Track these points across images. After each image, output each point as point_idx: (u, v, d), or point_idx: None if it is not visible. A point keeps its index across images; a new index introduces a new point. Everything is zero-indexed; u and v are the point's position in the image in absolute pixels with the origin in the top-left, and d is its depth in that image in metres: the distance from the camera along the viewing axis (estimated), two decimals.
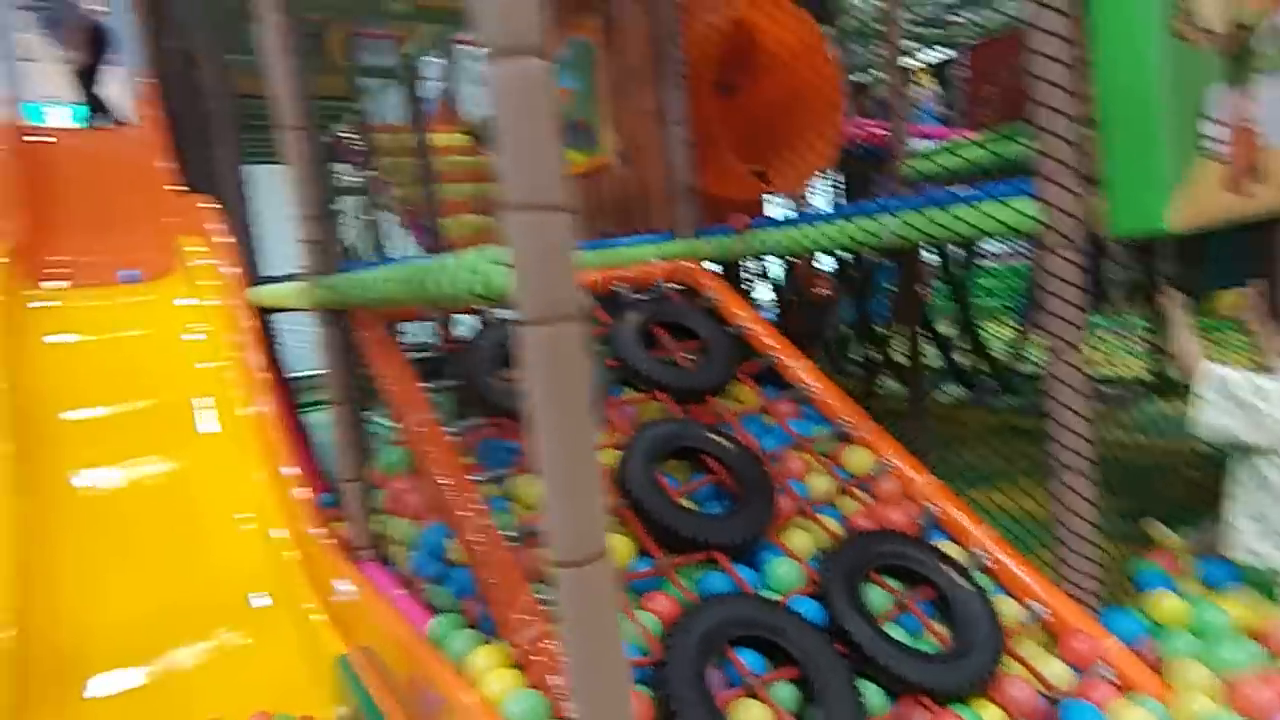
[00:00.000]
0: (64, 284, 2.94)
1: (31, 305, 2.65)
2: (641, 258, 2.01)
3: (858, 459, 1.61)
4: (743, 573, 1.34)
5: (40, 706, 1.72)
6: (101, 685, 1.83)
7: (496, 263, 0.83)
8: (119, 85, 5.03)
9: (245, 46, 3.31)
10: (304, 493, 2.03)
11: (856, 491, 1.56)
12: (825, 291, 4.06)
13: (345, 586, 1.72)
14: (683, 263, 2.01)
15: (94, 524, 2.17)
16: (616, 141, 2.64)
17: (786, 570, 1.35)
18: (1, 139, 3.64)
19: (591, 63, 2.66)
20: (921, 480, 1.56)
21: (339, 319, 1.68)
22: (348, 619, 1.75)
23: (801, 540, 1.44)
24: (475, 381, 1.59)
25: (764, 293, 4.06)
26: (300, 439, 2.43)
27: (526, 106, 0.70)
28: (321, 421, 3.22)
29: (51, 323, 2.62)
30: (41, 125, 4.18)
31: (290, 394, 2.68)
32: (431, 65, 4.50)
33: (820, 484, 1.56)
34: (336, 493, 2.03)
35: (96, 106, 4.91)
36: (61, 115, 5.04)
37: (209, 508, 2.25)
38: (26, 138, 3.73)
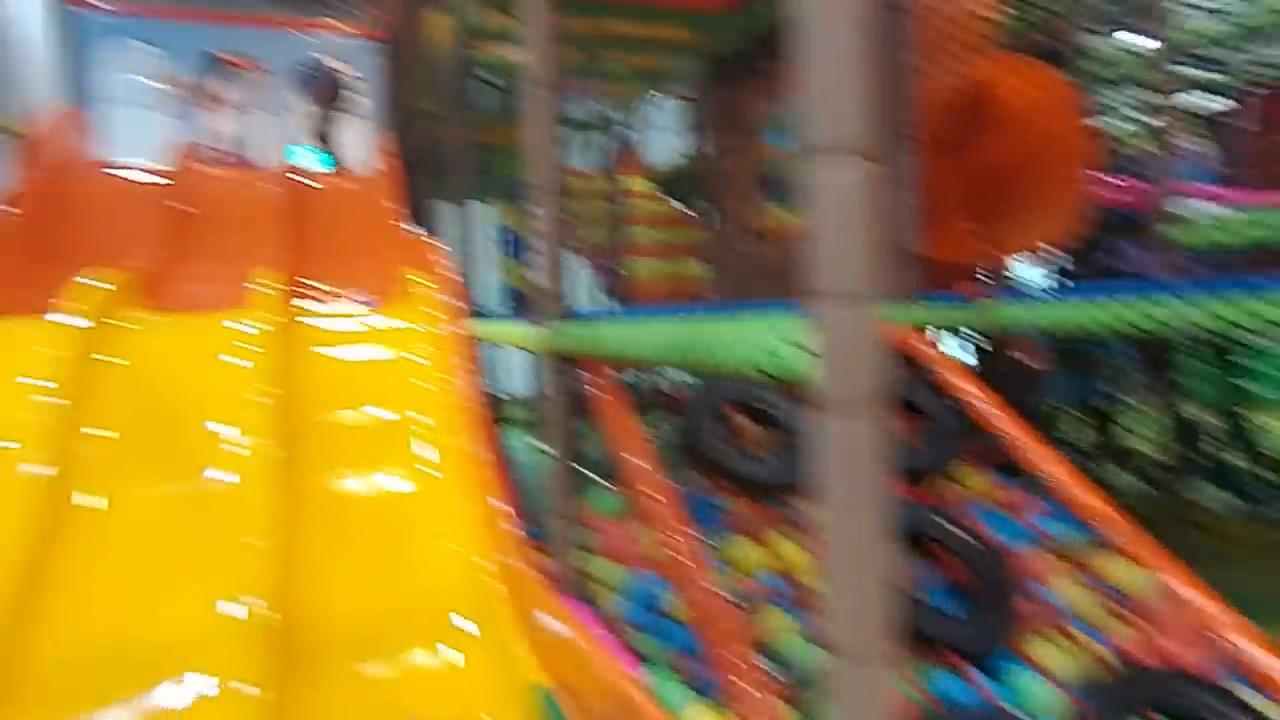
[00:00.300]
0: (314, 306, 3.28)
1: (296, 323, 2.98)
2: None
3: (1123, 572, 1.45)
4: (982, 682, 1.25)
5: (299, 678, 1.92)
6: (335, 670, 1.99)
7: (793, 344, 0.85)
8: (352, 133, 5.68)
9: (462, 103, 3.73)
10: (512, 527, 2.13)
11: (1122, 611, 1.41)
12: (1033, 360, 3.76)
13: (551, 621, 1.80)
14: (898, 328, 1.97)
15: (328, 521, 2.38)
16: None
17: (1042, 692, 1.24)
18: (274, 180, 4.19)
19: None
20: (1211, 608, 1.33)
21: (566, 362, 1.79)
22: (551, 653, 1.82)
23: (1053, 657, 1.32)
24: (694, 436, 1.63)
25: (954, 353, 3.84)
26: (501, 464, 2.56)
27: (846, 205, 0.72)
28: (519, 446, 3.40)
29: (309, 340, 2.92)
30: (298, 167, 4.75)
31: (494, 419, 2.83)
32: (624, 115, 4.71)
33: (1073, 595, 1.43)
34: (538, 524, 2.13)
35: (331, 151, 5.59)
36: (308, 159, 5.74)
37: (420, 525, 2.41)
38: (291, 178, 4.27)
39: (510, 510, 2.16)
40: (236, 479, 2.35)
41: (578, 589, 1.81)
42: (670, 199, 3.66)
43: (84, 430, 2.38)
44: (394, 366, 2.92)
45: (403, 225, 3.93)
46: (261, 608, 1.95)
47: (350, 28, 5.36)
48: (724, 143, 3.25)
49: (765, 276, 2.72)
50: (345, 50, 5.35)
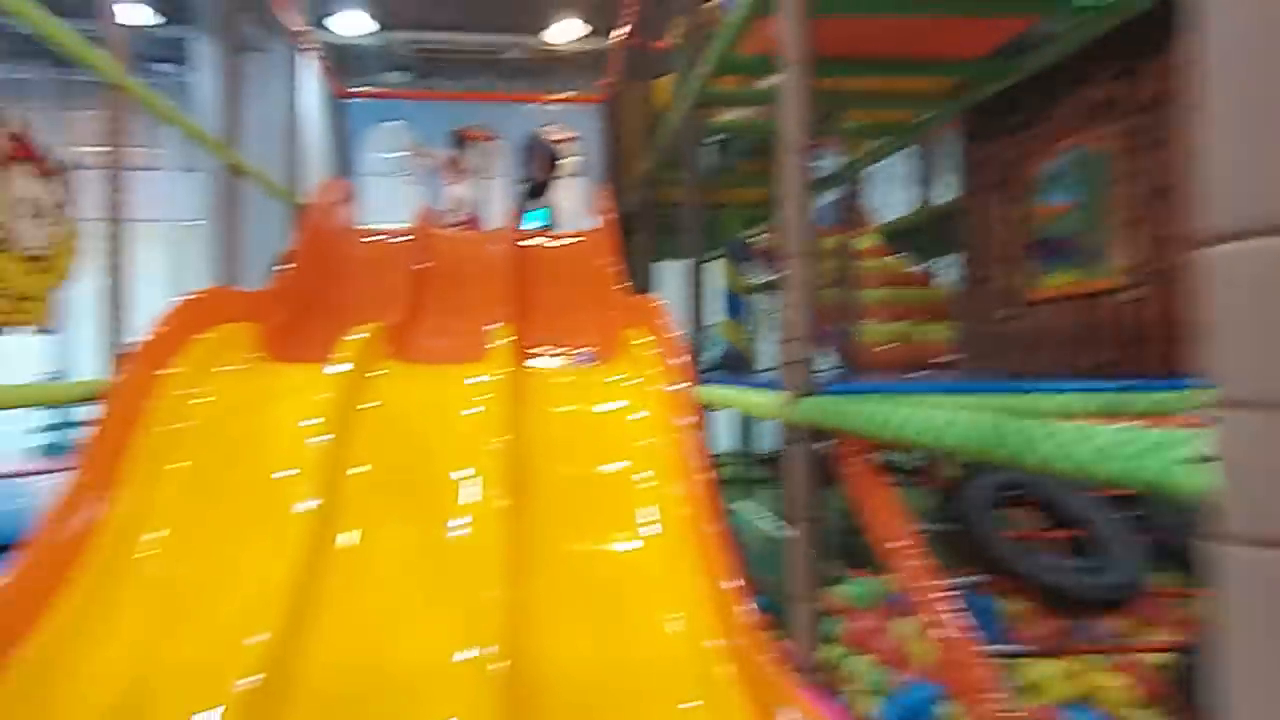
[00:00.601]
0: (541, 361, 3.41)
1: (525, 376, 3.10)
2: (1160, 406, 1.73)
3: None
4: None
5: None
6: None
7: (1186, 459, 0.71)
8: (572, 195, 5.99)
9: (687, 163, 3.80)
10: (747, 609, 1.98)
11: None
12: None
13: (795, 717, 1.66)
14: None
15: (554, 574, 2.37)
16: (1129, 262, 2.38)
17: None
18: (503, 241, 4.49)
19: (1100, 174, 2.46)
20: None
21: (816, 437, 1.69)
22: None
23: None
24: (970, 529, 1.46)
25: None
26: (728, 534, 2.45)
27: (1262, 294, 0.59)
28: (743, 511, 3.28)
29: (537, 393, 3.02)
30: (524, 229, 5.08)
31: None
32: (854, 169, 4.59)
33: None
34: (771, 603, 2.02)
35: (536, 212, 5.96)
36: (532, 221, 6.13)
37: (644, 590, 2.36)
38: (520, 240, 4.56)
39: (742, 587, 2.04)
40: (470, 522, 2.45)
41: (824, 685, 1.67)
42: (902, 256, 3.48)
43: (346, 469, 2.59)
44: (616, 423, 2.94)
45: (622, 284, 4.04)
46: (492, 653, 1.97)
47: (573, 97, 5.69)
48: (983, 198, 3.04)
49: (1033, 347, 2.47)
50: (568, 116, 5.67)
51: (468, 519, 2.47)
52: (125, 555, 2.28)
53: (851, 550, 1.75)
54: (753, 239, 5.03)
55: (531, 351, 3.53)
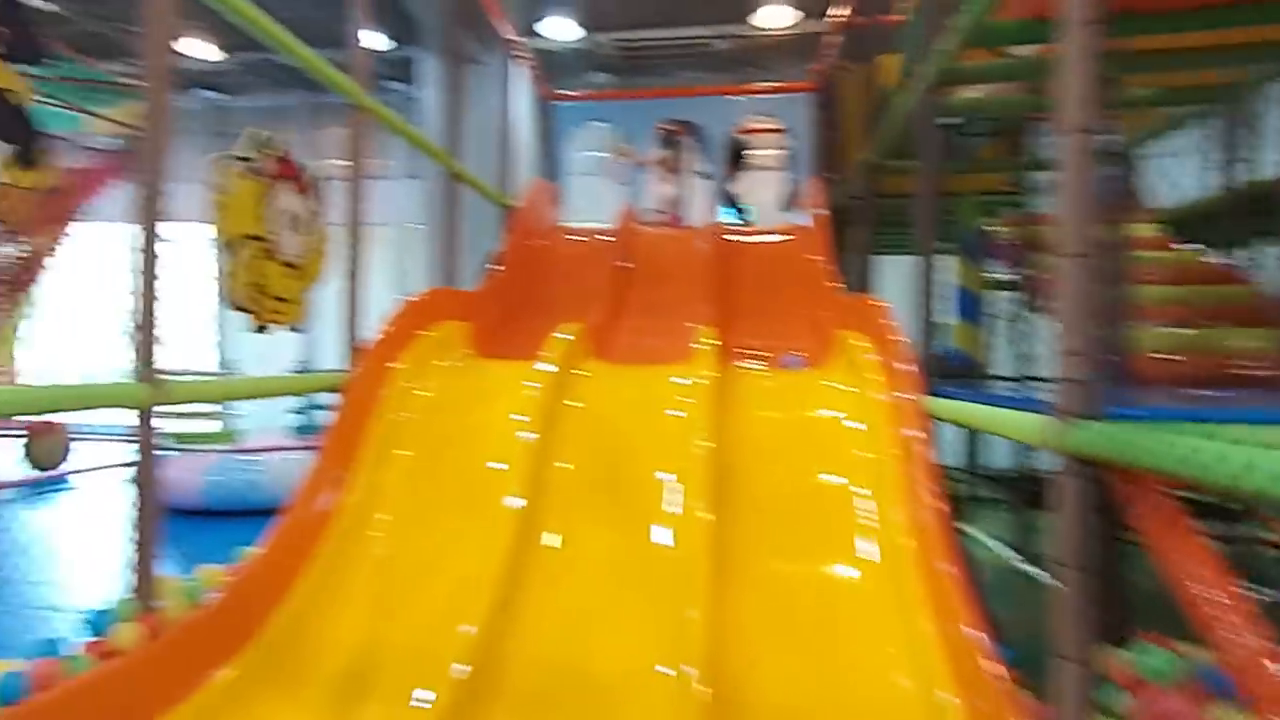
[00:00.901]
0: (747, 364, 3.25)
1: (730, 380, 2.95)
2: None
3: None
4: None
5: None
6: None
7: None
8: (776, 189, 5.79)
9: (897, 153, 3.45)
10: (991, 664, 1.71)
11: None
12: None
13: None
14: None
15: (761, 595, 2.22)
16: None
17: None
18: (708, 238, 4.39)
19: None
20: None
21: (1100, 471, 1.41)
22: None
23: None
24: None
25: None
26: (965, 569, 2.15)
27: None
28: (971, 536, 2.92)
29: (742, 398, 2.87)
30: (729, 225, 4.95)
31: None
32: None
33: None
34: (1010, 646, 1.75)
35: (734, 207, 5.81)
36: (734, 217, 6.00)
37: (854, 628, 2.14)
38: (724, 237, 4.43)
39: (983, 636, 1.77)
40: (674, 530, 2.36)
41: None
42: (1194, 247, 2.91)
43: (551, 467, 2.59)
44: (831, 433, 2.72)
45: (836, 282, 3.79)
46: (693, 675, 1.86)
47: (783, 86, 5.48)
48: None
49: None
50: (777, 106, 5.47)
51: (672, 527, 2.38)
52: (356, 536, 2.44)
53: (1147, 609, 1.45)
54: (992, 231, 4.54)
55: (738, 353, 3.38)
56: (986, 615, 1.85)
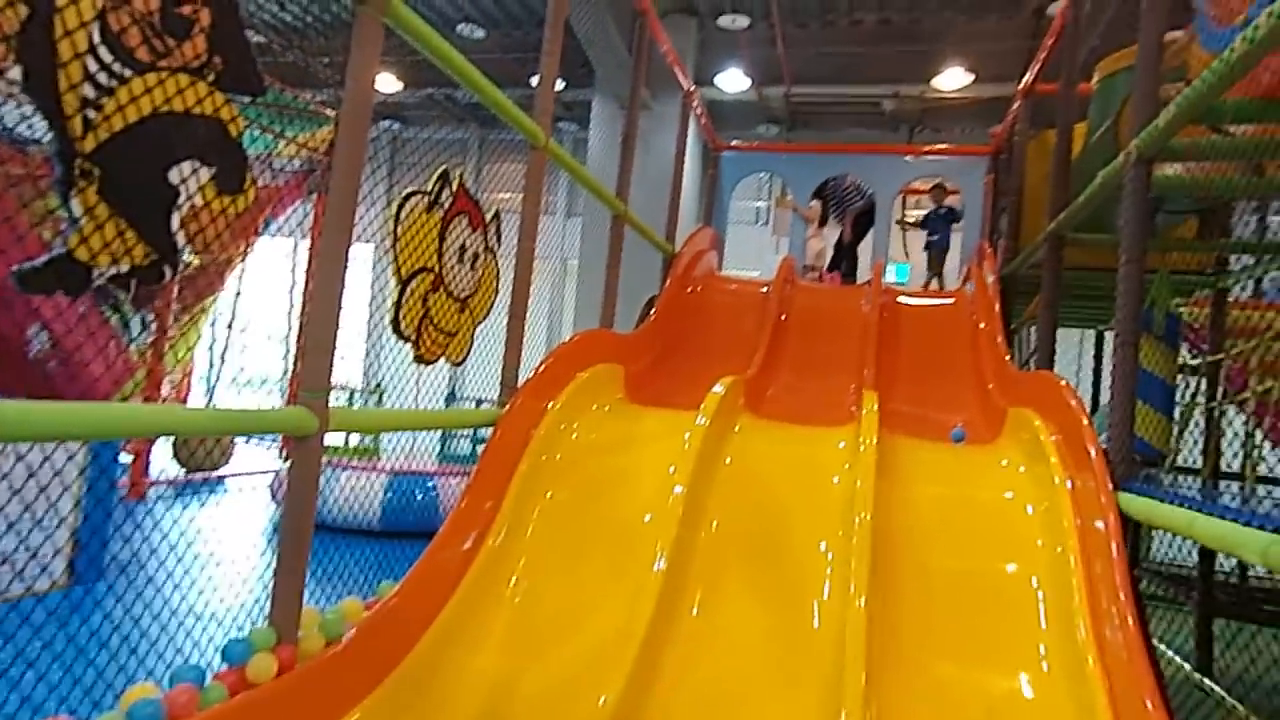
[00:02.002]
0: (908, 433, 2.97)
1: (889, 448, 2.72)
2: None
3: None
4: None
5: None
6: None
7: None
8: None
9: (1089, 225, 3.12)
10: None
11: None
12: None
13: None
14: None
15: (921, 689, 1.99)
16: None
17: None
18: (869, 297, 4.15)
19: None
20: None
21: None
22: None
23: None
24: None
25: None
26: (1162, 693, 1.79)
27: None
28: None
29: (902, 469, 2.63)
30: (892, 287, 4.68)
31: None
32: None
33: None
34: None
35: (848, 272, 5.42)
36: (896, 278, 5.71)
37: None
38: (887, 297, 4.18)
39: None
40: (829, 610, 2.14)
41: None
42: None
43: (700, 524, 2.44)
44: (1006, 518, 2.43)
45: (1004, 354, 3.46)
46: None
47: (957, 149, 5.17)
48: None
49: None
50: (949, 168, 5.17)
51: (828, 608, 2.18)
52: (497, 577, 2.39)
53: None
54: (1183, 313, 4.08)
55: (899, 421, 3.10)
56: None
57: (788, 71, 8.32)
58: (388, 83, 11.97)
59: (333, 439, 7.07)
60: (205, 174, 1.55)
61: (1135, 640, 1.81)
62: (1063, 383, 2.65)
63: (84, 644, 3.05)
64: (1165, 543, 4.93)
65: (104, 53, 1.33)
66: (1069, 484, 2.32)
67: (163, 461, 7.78)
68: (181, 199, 1.49)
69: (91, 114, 1.31)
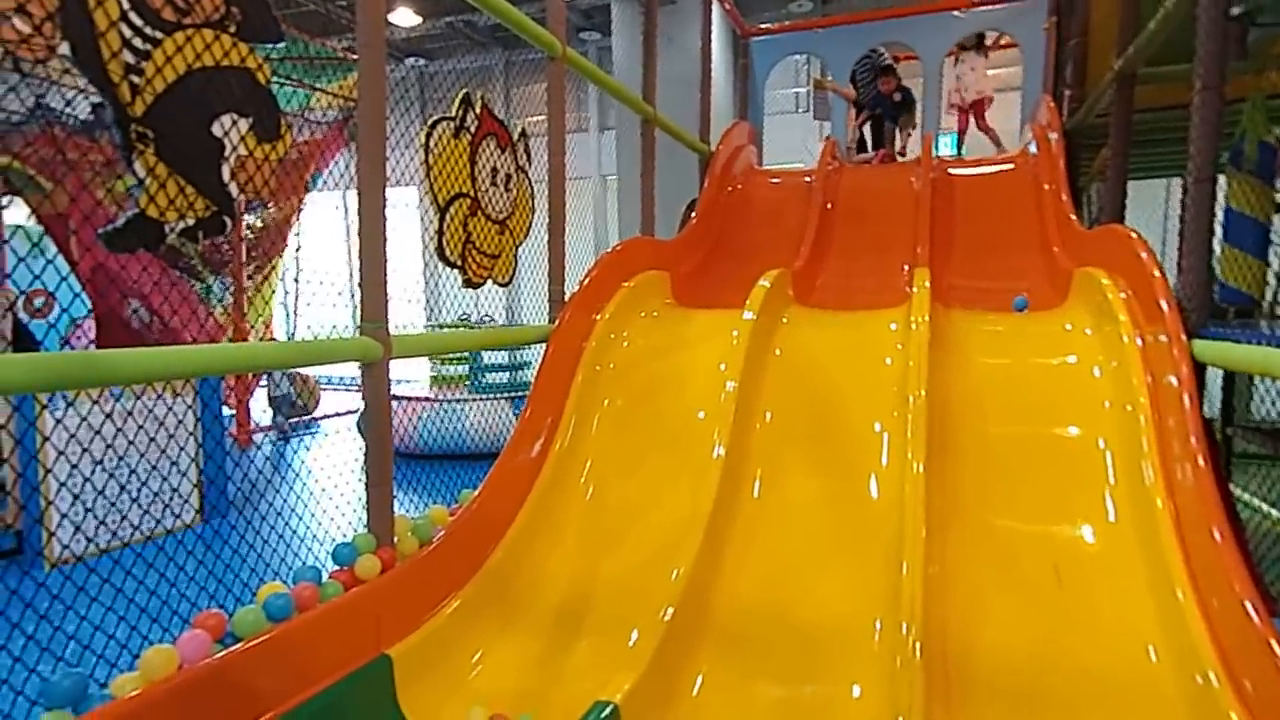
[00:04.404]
0: (967, 306, 3.01)
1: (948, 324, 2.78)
2: None
3: None
4: None
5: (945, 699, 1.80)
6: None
7: None
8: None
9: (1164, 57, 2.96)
10: (1269, 645, 1.50)
11: None
12: None
13: None
14: None
15: (984, 550, 2.11)
16: None
17: None
18: (919, 172, 4.11)
19: None
20: None
21: None
22: None
23: None
24: None
25: None
26: (1236, 531, 1.87)
27: None
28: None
29: (963, 343, 2.69)
30: (945, 158, 4.59)
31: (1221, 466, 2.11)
32: None
33: None
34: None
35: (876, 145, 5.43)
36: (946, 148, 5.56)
37: (1090, 604, 1.95)
38: (938, 170, 4.13)
39: (1259, 615, 1.54)
40: (885, 480, 2.28)
41: None
42: None
43: (756, 415, 2.58)
44: (1068, 380, 2.47)
45: (1070, 214, 3.41)
46: (907, 631, 1.79)
47: None
48: None
49: None
50: (1003, 21, 4.95)
51: (884, 478, 2.32)
52: (566, 479, 2.60)
53: None
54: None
55: (957, 295, 3.14)
56: (1260, 588, 1.61)
57: None
58: (406, 17, 11.95)
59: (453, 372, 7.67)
60: (244, 125, 1.70)
61: (1205, 478, 1.86)
62: (1132, 235, 2.58)
63: (227, 563, 3.89)
64: (1269, 401, 4.83)
65: (135, 18, 1.48)
66: (1139, 341, 2.32)
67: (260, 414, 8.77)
68: (228, 151, 1.66)
69: (135, 79, 1.47)
